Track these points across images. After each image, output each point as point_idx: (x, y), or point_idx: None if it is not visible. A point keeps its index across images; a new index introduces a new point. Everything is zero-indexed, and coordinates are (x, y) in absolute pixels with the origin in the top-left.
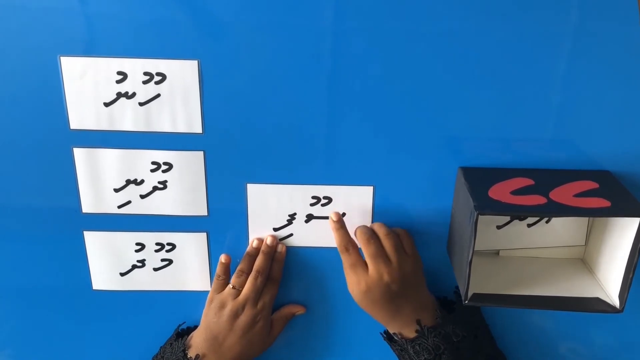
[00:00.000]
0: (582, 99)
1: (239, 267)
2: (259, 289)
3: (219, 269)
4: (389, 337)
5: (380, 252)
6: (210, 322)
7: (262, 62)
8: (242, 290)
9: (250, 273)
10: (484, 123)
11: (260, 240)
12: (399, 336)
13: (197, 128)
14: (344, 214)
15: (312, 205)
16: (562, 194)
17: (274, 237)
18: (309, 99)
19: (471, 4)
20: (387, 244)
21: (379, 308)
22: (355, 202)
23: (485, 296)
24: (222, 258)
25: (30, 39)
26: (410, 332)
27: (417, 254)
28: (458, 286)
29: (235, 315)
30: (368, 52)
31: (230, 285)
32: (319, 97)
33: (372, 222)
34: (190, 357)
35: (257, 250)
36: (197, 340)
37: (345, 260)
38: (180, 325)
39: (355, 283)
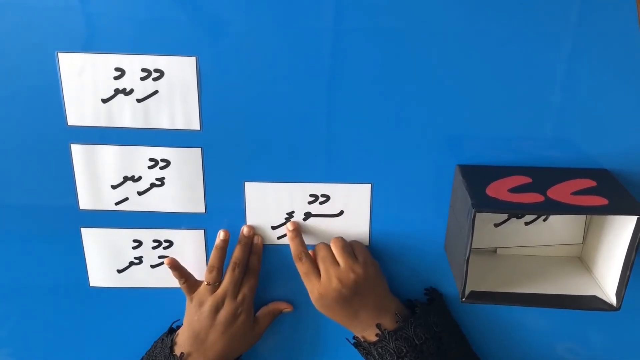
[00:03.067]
0: (580, 97)
1: (209, 263)
2: (238, 280)
3: (179, 280)
4: (355, 344)
5: (328, 257)
6: (191, 320)
7: (261, 59)
8: (217, 285)
9: (220, 267)
10: (482, 121)
11: (227, 233)
12: (363, 339)
13: (195, 125)
14: (342, 212)
15: (310, 203)
16: (560, 192)
17: (250, 227)
18: (308, 96)
19: (471, 3)
20: (334, 247)
21: (335, 313)
22: (354, 199)
23: (482, 294)
24: (172, 272)
25: (28, 35)
26: (371, 336)
27: (370, 260)
28: (427, 288)
29: (216, 310)
30: (366, 51)
31: (204, 283)
32: (317, 95)
33: (370, 220)
34: (176, 355)
35: (225, 243)
36: (181, 339)
37: (299, 268)
38: (174, 322)
39: (310, 291)
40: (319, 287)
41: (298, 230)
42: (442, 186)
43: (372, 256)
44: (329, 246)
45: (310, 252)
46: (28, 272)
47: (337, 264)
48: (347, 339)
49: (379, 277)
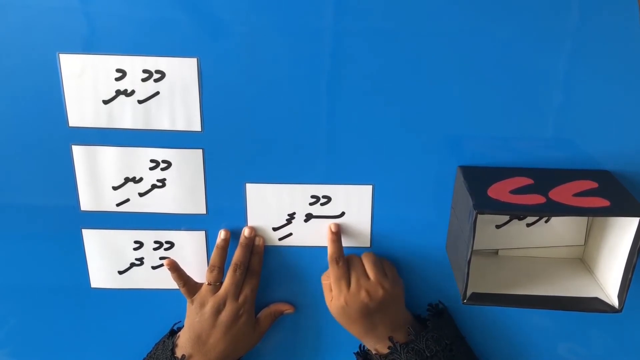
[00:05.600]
0: (581, 98)
1: (210, 263)
2: (239, 281)
3: (178, 282)
4: (363, 357)
5: (360, 267)
6: (193, 322)
7: (262, 60)
8: (218, 285)
9: (221, 267)
10: (483, 122)
11: (228, 232)
12: (375, 352)
13: (196, 126)
14: (343, 213)
15: (311, 204)
16: (562, 193)
17: (251, 228)
18: (309, 97)
19: (471, 3)
20: (366, 260)
21: (354, 324)
22: (355, 201)
23: (484, 295)
24: (171, 274)
25: (29, 36)
26: (384, 349)
27: (397, 279)
28: (433, 303)
29: (217, 311)
30: (367, 51)
31: (205, 283)
32: (318, 96)
33: (372, 221)
34: (177, 357)
35: (225, 242)
36: (182, 340)
37: (334, 271)
38: (175, 324)
39: (336, 296)
40: (347, 295)
41: (340, 234)
42: (444, 187)
43: (398, 274)
44: (360, 258)
45: None
46: (29, 272)
47: (367, 276)
48: (354, 353)
49: (402, 295)
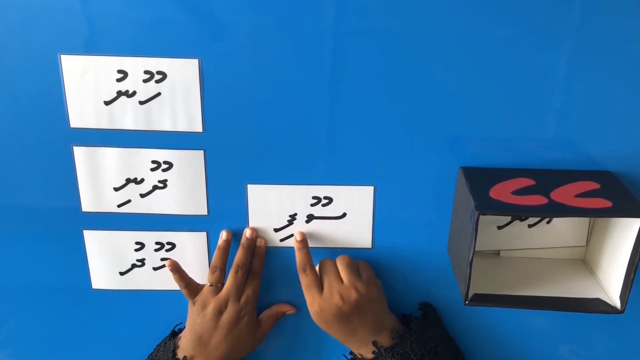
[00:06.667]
0: (583, 98)
1: (212, 264)
2: (241, 283)
3: (180, 283)
4: (352, 358)
5: (333, 271)
6: (194, 323)
7: (263, 61)
8: (219, 286)
9: (223, 268)
10: (485, 123)
11: (229, 233)
12: (360, 356)
13: (198, 127)
14: (344, 214)
15: (312, 205)
16: (564, 194)
17: (253, 229)
18: (310, 98)
19: (471, 3)
20: (340, 263)
21: (333, 328)
22: (356, 202)
23: (485, 296)
24: (173, 275)
25: (30, 37)
26: (368, 353)
27: (373, 280)
28: (421, 303)
29: (219, 312)
30: (368, 52)
31: (207, 284)
32: (319, 96)
33: (373, 222)
34: (179, 358)
35: (227, 243)
36: (184, 342)
37: (303, 280)
38: (177, 325)
39: (310, 303)
40: (320, 300)
41: (306, 242)
42: (445, 188)
43: (375, 276)
44: (334, 262)
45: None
46: (30, 274)
47: (341, 280)
48: (344, 355)
49: (380, 297)
